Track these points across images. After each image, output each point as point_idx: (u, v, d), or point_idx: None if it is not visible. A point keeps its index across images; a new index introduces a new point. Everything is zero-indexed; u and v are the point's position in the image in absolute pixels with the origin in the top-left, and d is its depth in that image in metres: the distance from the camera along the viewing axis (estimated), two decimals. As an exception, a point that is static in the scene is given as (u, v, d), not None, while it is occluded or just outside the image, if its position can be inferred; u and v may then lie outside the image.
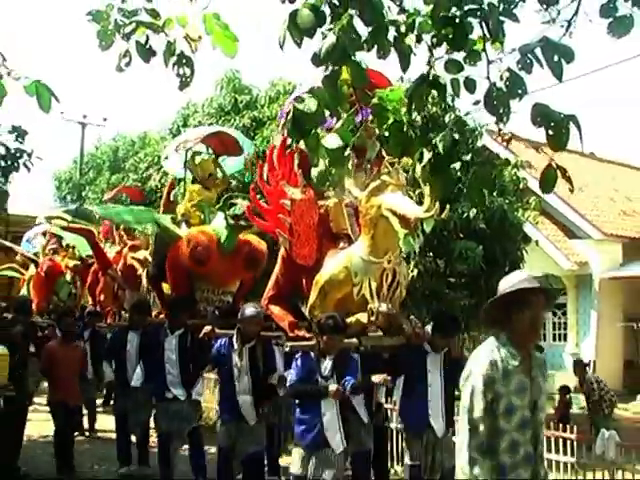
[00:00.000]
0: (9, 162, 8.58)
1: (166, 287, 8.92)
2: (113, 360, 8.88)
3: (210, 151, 9.37)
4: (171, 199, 9.89)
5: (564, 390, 12.83)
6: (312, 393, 5.89)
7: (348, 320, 6.12)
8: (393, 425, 8.54)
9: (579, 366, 11.95)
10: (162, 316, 8.60)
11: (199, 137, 9.22)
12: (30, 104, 4.28)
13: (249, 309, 6.80)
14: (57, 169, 30.51)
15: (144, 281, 9.62)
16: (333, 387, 5.74)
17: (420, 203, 5.77)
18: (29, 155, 8.45)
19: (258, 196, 7.65)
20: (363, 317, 6.20)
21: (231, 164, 9.59)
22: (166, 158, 9.59)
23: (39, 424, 9.97)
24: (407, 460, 6.64)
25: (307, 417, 5.90)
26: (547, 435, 7.57)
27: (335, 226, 6.78)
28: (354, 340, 6.14)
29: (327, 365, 5.89)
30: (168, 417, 7.66)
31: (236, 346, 6.76)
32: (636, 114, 48.39)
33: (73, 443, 8.85)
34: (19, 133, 8.32)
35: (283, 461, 8.24)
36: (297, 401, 6.11)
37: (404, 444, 6.86)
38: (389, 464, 8.21)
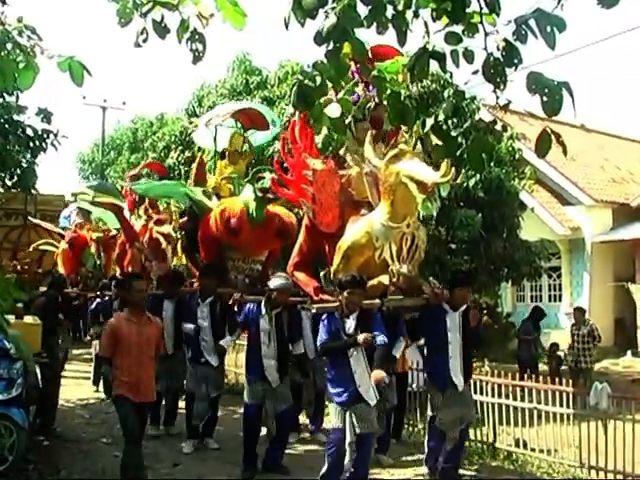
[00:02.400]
0: (37, 143, 8.49)
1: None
2: None
3: (239, 125, 9.21)
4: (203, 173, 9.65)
5: (554, 347, 12.81)
6: (342, 346, 5.77)
7: (370, 283, 6.06)
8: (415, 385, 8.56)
9: (579, 311, 11.84)
10: (196, 285, 8.49)
11: (228, 112, 9.13)
12: (54, 90, 4.23)
13: (282, 280, 6.74)
14: (80, 151, 30.49)
15: (169, 253, 9.54)
16: (362, 336, 5.64)
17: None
18: (55, 135, 8.36)
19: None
20: (385, 279, 6.14)
21: (260, 137, 9.48)
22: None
23: (72, 388, 10.03)
24: (429, 411, 6.59)
25: (339, 376, 5.80)
26: (545, 389, 7.57)
27: (356, 194, 6.69)
28: (377, 301, 6.07)
29: (351, 324, 5.80)
30: (198, 381, 7.69)
31: (264, 312, 6.73)
32: (624, 88, 47.86)
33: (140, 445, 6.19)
34: (45, 115, 8.19)
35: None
36: (328, 362, 6.02)
37: (429, 398, 6.67)
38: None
